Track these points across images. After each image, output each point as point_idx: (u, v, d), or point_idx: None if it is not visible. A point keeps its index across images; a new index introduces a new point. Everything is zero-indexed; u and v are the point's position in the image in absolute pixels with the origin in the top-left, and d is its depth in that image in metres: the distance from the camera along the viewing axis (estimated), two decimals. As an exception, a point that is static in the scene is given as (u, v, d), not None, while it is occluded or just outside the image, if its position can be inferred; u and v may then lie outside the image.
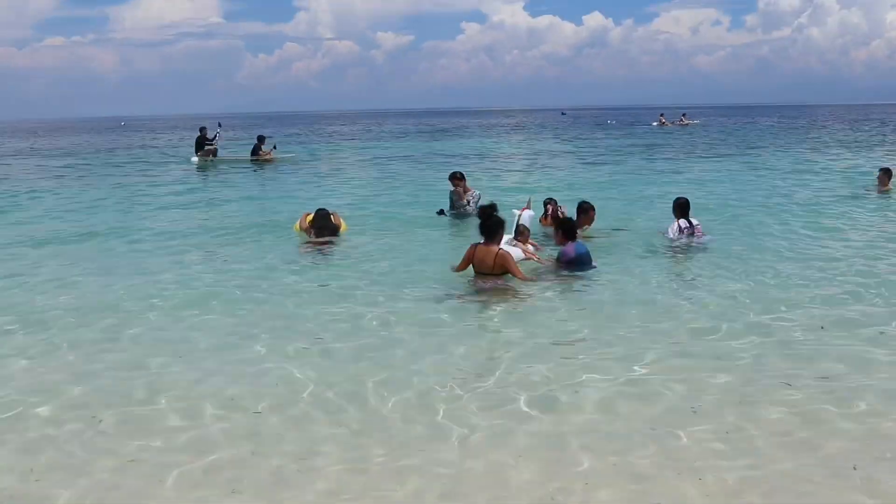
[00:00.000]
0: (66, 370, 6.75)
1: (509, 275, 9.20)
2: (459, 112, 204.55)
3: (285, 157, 32.05)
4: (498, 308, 8.54)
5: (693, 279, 9.85)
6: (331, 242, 12.44)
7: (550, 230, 11.64)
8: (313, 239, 12.55)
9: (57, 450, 5.26)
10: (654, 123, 65.85)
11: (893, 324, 7.61)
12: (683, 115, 69.10)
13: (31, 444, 5.34)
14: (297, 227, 13.06)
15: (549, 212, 12.76)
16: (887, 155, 30.79)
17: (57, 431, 5.52)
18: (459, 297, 8.90)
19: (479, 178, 22.18)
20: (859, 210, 15.66)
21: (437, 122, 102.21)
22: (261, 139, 31.59)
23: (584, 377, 6.31)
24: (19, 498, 4.71)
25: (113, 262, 11.58)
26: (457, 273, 9.52)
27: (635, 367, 6.52)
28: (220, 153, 31.15)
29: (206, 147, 30.54)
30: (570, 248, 9.85)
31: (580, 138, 51.10)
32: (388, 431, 5.47)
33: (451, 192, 15.13)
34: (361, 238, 13.04)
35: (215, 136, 31.35)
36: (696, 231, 11.92)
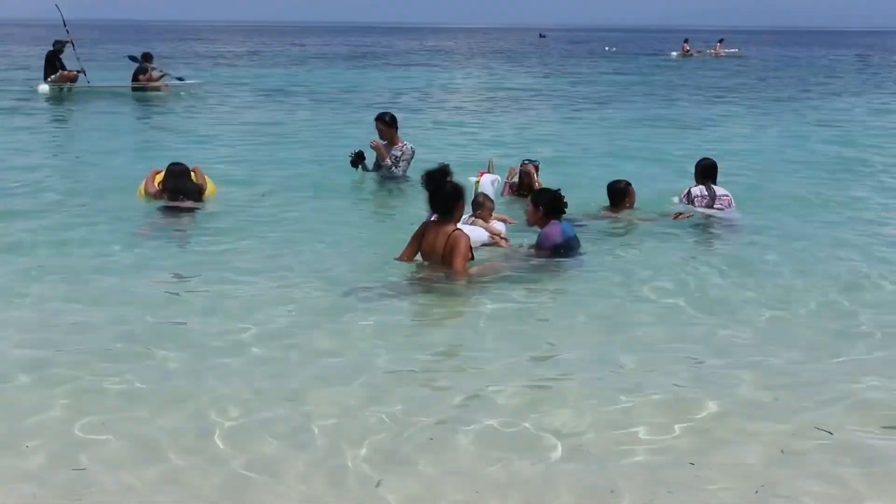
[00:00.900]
0: None
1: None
2: (394, 29, 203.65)
3: (183, 84, 32.02)
4: (439, 315, 8.60)
5: (709, 273, 9.94)
6: (190, 211, 12.31)
7: (520, 206, 11.65)
8: (167, 203, 12.40)
9: None
10: (675, 53, 66.69)
11: None
12: (720, 41, 69.81)
13: None
14: (142, 190, 12.88)
15: (526, 181, 12.74)
16: None
17: None
18: (379, 295, 8.80)
19: (418, 126, 22.13)
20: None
21: (361, 42, 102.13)
22: (146, 58, 31.53)
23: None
24: None
25: None
26: (397, 261, 9.42)
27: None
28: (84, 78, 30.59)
29: (62, 71, 30.05)
30: (555, 231, 9.73)
31: (564, 72, 51.38)
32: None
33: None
34: (238, 206, 12.94)
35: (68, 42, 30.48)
36: (719, 202, 12.23)
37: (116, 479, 5.33)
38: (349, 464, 5.60)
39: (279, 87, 36.69)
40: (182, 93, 31.23)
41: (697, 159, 13.13)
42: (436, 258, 8.99)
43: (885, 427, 6.15)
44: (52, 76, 29.89)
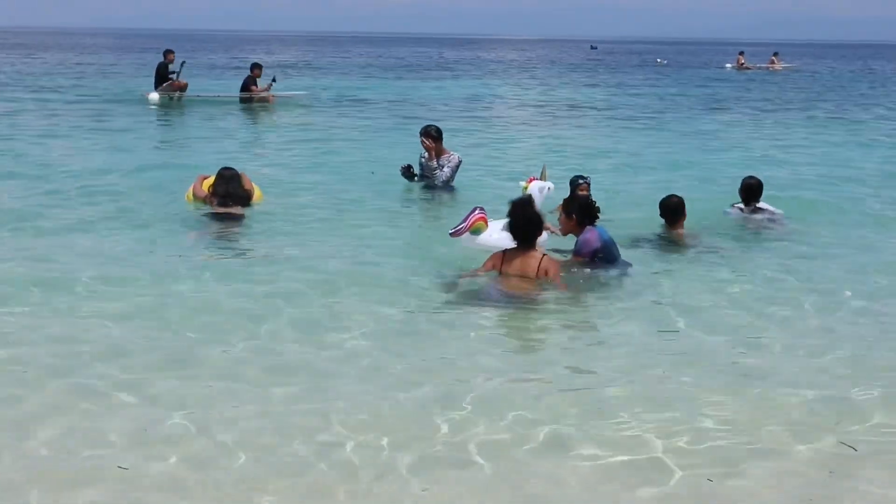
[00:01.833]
0: None
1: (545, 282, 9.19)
2: (443, 40, 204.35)
3: (291, 95, 32.26)
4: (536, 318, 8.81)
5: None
6: (240, 218, 12.40)
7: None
8: (216, 209, 12.46)
9: None
10: (729, 65, 66.26)
11: None
12: (775, 55, 69.28)
13: None
14: (190, 195, 12.98)
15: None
16: None
17: None
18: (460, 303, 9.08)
19: (466, 138, 22.14)
20: None
21: (408, 53, 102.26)
22: (255, 69, 31.66)
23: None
24: None
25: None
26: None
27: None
28: (196, 88, 31.50)
29: (171, 79, 30.47)
30: (593, 236, 9.75)
31: (615, 84, 51.23)
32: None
33: (421, 155, 15.09)
34: (285, 212, 13.09)
35: (182, 63, 31.18)
36: (767, 219, 12.54)
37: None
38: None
39: (361, 98, 36.76)
40: (291, 99, 31.65)
41: (744, 176, 13.17)
42: (528, 279, 9.12)
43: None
44: (163, 85, 30.19)
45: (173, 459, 5.83)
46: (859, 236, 12.46)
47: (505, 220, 9.94)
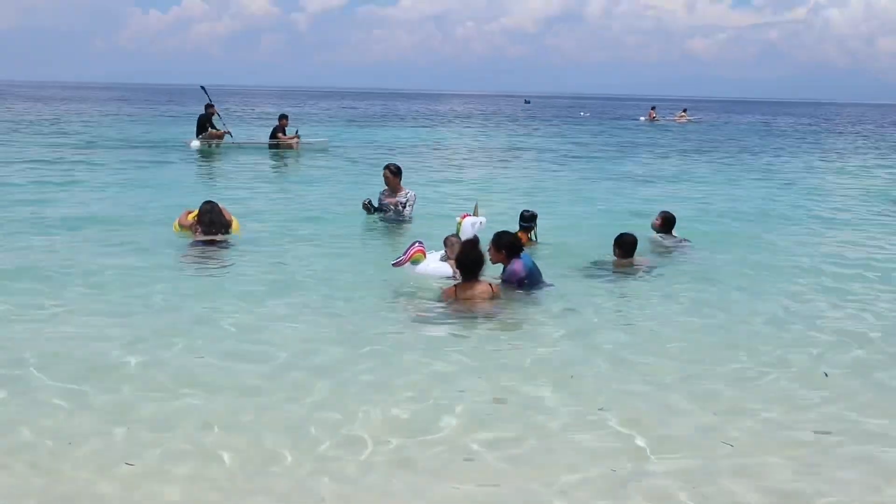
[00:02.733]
0: None
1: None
2: (399, 95, 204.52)
3: (313, 142, 31.95)
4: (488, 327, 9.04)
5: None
6: (222, 243, 12.46)
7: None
8: (200, 237, 12.49)
9: None
10: (643, 118, 66.50)
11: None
12: (684, 110, 69.71)
13: None
14: (177, 226, 12.93)
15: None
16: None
17: None
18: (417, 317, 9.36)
19: (415, 177, 22.24)
20: (875, 231, 16.36)
21: (369, 105, 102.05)
22: (283, 119, 31.42)
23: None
24: None
25: None
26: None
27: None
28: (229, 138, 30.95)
29: (212, 130, 30.24)
30: (519, 266, 9.97)
31: (546, 134, 51.46)
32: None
33: (381, 191, 15.22)
34: (261, 239, 13.23)
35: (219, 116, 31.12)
36: (680, 248, 12.94)
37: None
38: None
39: (337, 144, 36.40)
40: (313, 145, 31.62)
41: (659, 211, 13.65)
42: (481, 302, 9.38)
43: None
44: (203, 134, 29.97)
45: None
46: (742, 258, 12.91)
47: (440, 252, 10.30)
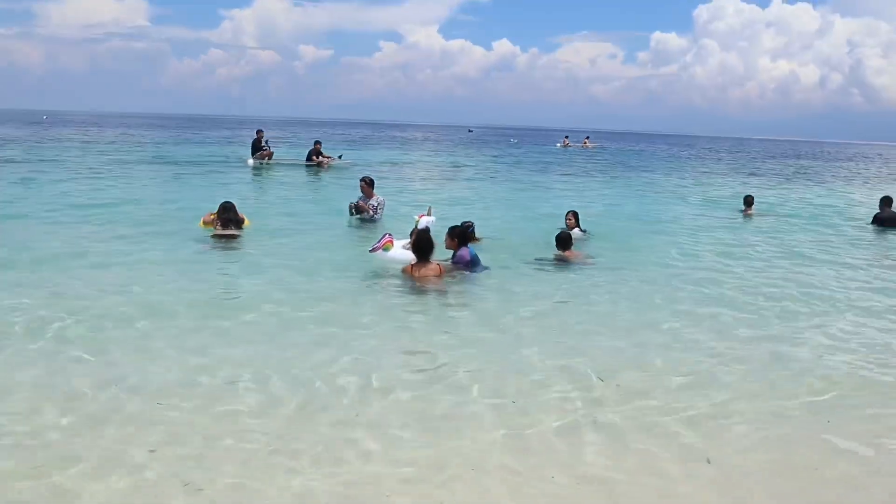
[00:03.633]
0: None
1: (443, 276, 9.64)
2: (374, 124, 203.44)
3: (342, 162, 30.98)
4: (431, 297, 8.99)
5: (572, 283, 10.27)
6: (236, 237, 12.31)
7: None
8: (220, 231, 12.35)
9: None
10: (559, 144, 65.96)
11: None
12: (587, 138, 69.56)
13: None
14: (202, 222, 12.89)
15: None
16: (758, 183, 32.44)
17: None
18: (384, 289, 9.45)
19: (386, 185, 22.20)
20: (722, 229, 16.66)
21: (352, 132, 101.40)
22: (317, 143, 30.94)
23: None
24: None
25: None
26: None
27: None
28: (277, 155, 30.39)
29: (263, 150, 29.59)
30: (465, 252, 10.18)
31: (484, 154, 51.49)
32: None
33: (359, 197, 15.13)
34: (266, 234, 13.05)
35: (267, 140, 30.43)
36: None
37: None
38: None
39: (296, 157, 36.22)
40: (342, 165, 30.45)
41: (566, 211, 13.95)
42: (431, 279, 9.48)
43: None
44: (256, 154, 29.51)
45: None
46: (628, 247, 13.12)
47: (405, 241, 10.34)
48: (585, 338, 7.68)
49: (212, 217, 12.66)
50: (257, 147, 29.88)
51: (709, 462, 5.04)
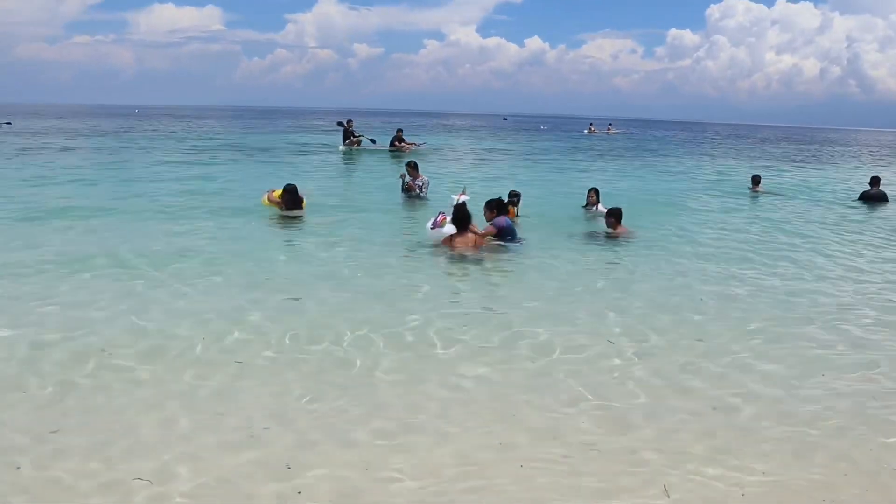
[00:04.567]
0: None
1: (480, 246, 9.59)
2: (419, 114, 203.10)
3: (420, 147, 30.12)
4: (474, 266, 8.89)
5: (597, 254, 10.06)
6: (298, 217, 12.19)
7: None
8: (285, 212, 12.25)
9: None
10: (585, 131, 65.14)
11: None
12: (610, 125, 68.56)
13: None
14: (266, 200, 12.55)
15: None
16: (763, 164, 31.60)
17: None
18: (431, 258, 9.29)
19: (431, 167, 22.06)
20: (733, 203, 16.42)
21: (400, 121, 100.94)
22: (399, 131, 30.31)
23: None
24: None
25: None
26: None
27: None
28: (364, 142, 29.82)
29: (352, 137, 29.32)
30: (501, 220, 10.04)
31: (517, 140, 50.79)
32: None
33: (404, 177, 14.97)
34: (325, 214, 12.88)
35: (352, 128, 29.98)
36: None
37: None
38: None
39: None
40: (420, 150, 29.53)
41: (589, 188, 13.64)
42: (468, 247, 9.44)
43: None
44: (347, 140, 29.29)
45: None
46: (651, 222, 12.67)
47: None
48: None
49: (276, 196, 12.45)
50: (348, 134, 29.62)
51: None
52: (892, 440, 4.59)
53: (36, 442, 4.23)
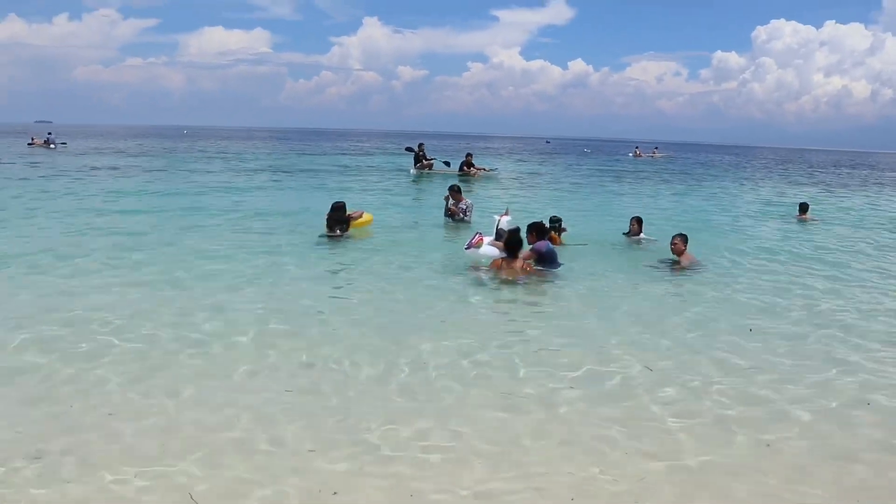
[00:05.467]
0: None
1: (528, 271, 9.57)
2: (463, 136, 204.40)
3: (490, 173, 29.40)
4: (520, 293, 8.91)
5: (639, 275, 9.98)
6: (339, 236, 12.00)
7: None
8: (326, 232, 12.10)
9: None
10: (630, 154, 64.64)
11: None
12: (655, 148, 67.88)
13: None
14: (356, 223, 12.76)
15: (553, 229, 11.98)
16: (815, 190, 31.01)
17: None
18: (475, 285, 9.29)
19: (473, 189, 22.21)
20: (778, 232, 16.04)
21: (444, 143, 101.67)
22: (468, 156, 29.27)
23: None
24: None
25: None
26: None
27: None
28: (436, 165, 29.33)
29: (424, 161, 28.88)
30: (542, 245, 10.04)
31: (560, 163, 50.60)
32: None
33: (448, 200, 14.98)
34: (374, 235, 12.94)
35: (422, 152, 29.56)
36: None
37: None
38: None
39: (395, 166, 36.00)
40: (489, 174, 28.92)
41: (632, 216, 13.49)
42: (517, 273, 9.42)
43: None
44: (418, 164, 28.94)
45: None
46: (701, 243, 12.29)
47: (490, 238, 10.24)
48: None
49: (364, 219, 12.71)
50: (419, 158, 29.17)
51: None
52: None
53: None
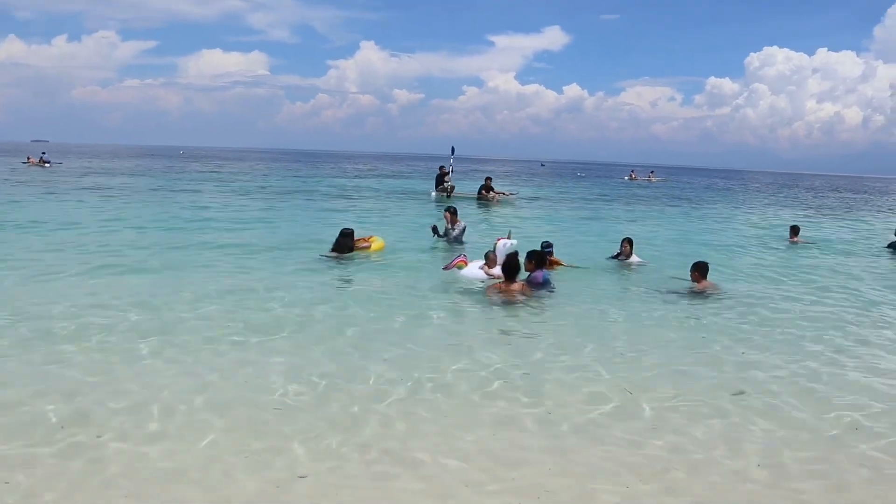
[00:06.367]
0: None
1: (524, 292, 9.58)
2: (459, 159, 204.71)
3: (509, 197, 29.05)
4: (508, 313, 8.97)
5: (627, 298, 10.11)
6: (339, 259, 12.11)
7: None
8: (327, 253, 12.29)
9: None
10: (626, 178, 64.90)
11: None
12: (651, 172, 68.17)
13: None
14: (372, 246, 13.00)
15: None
16: (803, 214, 31.29)
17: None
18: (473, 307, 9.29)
19: (470, 213, 22.28)
20: (769, 255, 16.16)
21: (440, 165, 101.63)
22: (488, 179, 28.79)
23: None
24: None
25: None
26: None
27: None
28: (458, 188, 28.58)
29: (445, 183, 27.97)
30: (539, 275, 10.05)
31: (554, 186, 50.74)
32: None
33: (446, 224, 15.04)
34: (365, 258, 12.83)
35: (450, 170, 28.79)
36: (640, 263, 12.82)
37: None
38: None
39: (390, 190, 36.39)
40: (509, 199, 28.51)
41: (623, 237, 13.50)
42: (514, 295, 9.42)
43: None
44: (439, 187, 28.27)
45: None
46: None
47: (480, 261, 10.31)
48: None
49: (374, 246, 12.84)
50: (440, 181, 28.53)
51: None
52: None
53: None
